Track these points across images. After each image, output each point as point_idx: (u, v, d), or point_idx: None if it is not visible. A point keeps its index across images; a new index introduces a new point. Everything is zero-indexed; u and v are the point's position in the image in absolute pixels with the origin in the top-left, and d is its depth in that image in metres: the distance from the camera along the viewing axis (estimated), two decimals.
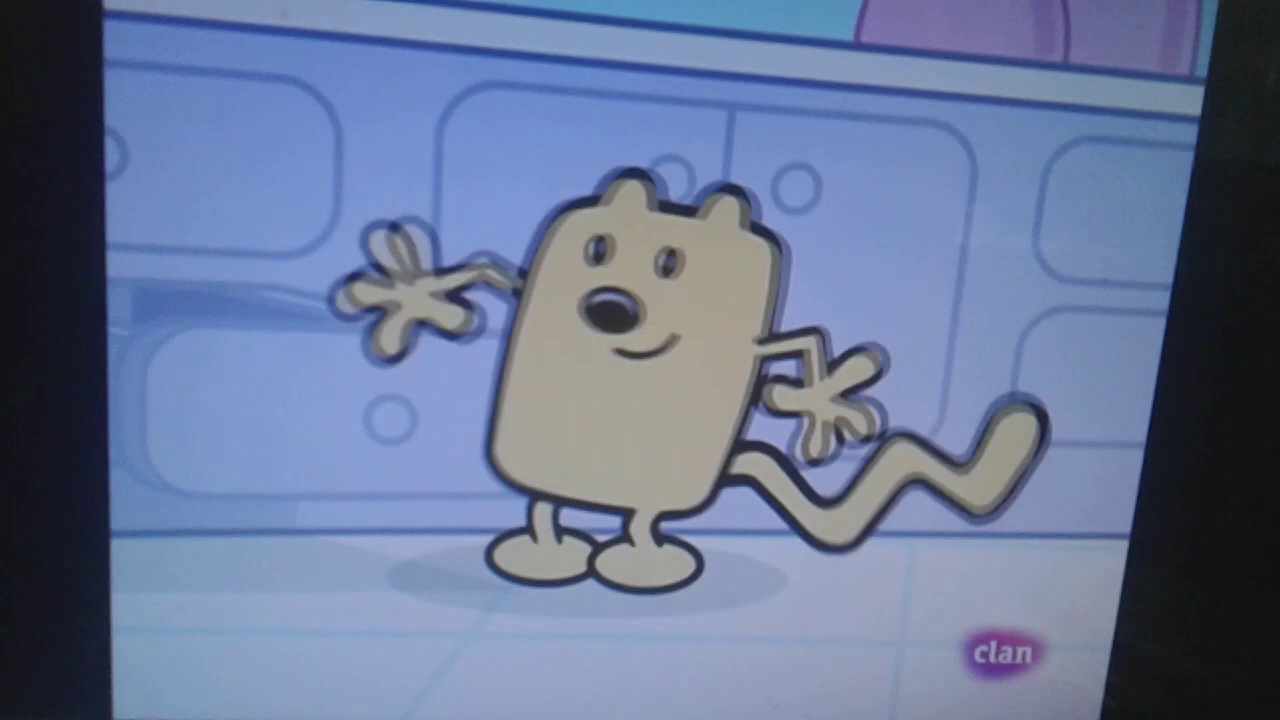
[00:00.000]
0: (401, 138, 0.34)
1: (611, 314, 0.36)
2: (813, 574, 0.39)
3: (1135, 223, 0.38)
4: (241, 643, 0.36)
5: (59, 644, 0.36)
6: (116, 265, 0.33)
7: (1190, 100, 0.37)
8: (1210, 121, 0.37)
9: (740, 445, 0.38)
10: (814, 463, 0.38)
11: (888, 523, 0.39)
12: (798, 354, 0.37)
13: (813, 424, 0.38)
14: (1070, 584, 0.41)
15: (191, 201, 0.33)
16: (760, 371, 0.37)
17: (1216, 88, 0.37)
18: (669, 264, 0.36)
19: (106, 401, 0.34)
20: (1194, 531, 0.39)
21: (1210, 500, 0.40)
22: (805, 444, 0.38)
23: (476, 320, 0.35)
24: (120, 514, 0.35)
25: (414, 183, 0.34)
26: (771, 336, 0.37)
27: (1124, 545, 0.41)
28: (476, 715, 0.38)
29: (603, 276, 0.35)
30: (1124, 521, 0.41)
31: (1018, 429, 0.39)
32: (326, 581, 0.36)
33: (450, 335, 0.35)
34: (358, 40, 0.33)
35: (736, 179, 0.35)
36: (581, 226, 0.35)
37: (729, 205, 0.35)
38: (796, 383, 0.37)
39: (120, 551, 0.35)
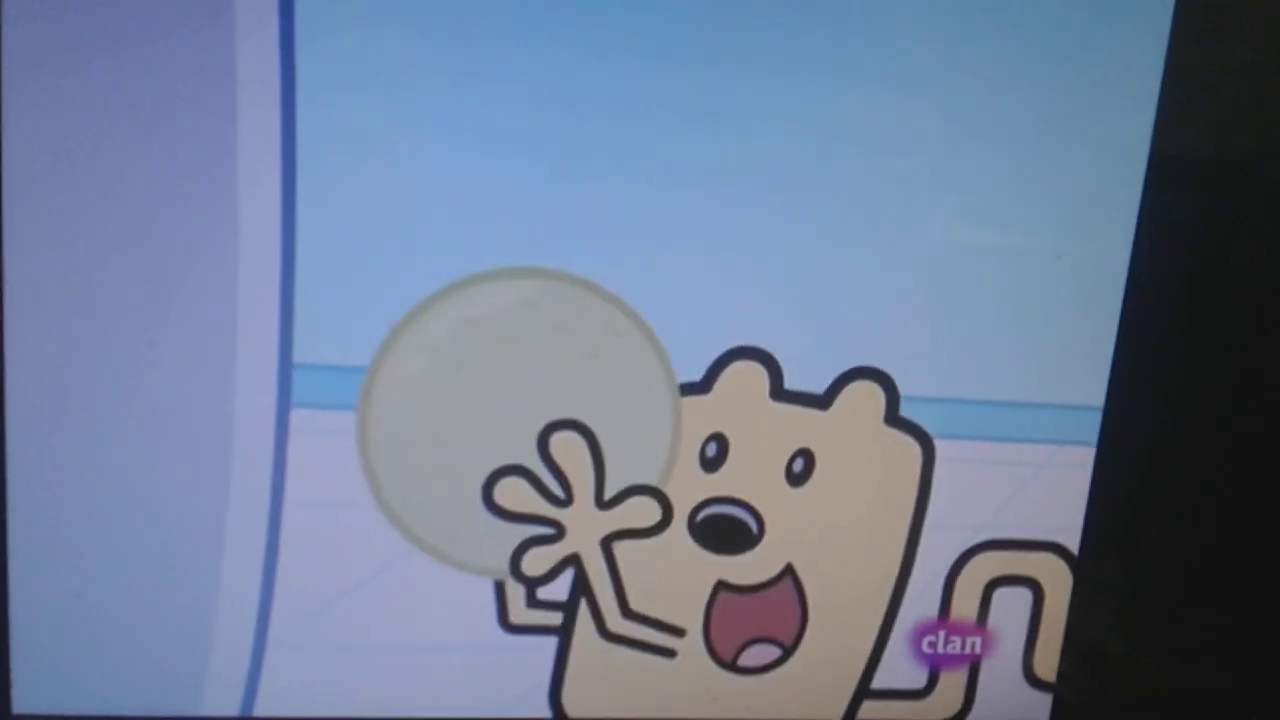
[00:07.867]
0: None
1: (727, 532, 0.29)
2: None
3: None
4: None
5: None
6: None
7: None
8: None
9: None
10: None
11: None
12: None
13: None
14: None
15: None
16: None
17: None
18: (800, 470, 0.29)
19: None
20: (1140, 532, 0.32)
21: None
22: None
23: None
24: None
25: None
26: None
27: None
28: None
29: (718, 485, 0.28)
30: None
31: None
32: None
33: None
34: None
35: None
36: (691, 420, 0.28)
37: (868, 393, 0.29)
38: None
39: None
